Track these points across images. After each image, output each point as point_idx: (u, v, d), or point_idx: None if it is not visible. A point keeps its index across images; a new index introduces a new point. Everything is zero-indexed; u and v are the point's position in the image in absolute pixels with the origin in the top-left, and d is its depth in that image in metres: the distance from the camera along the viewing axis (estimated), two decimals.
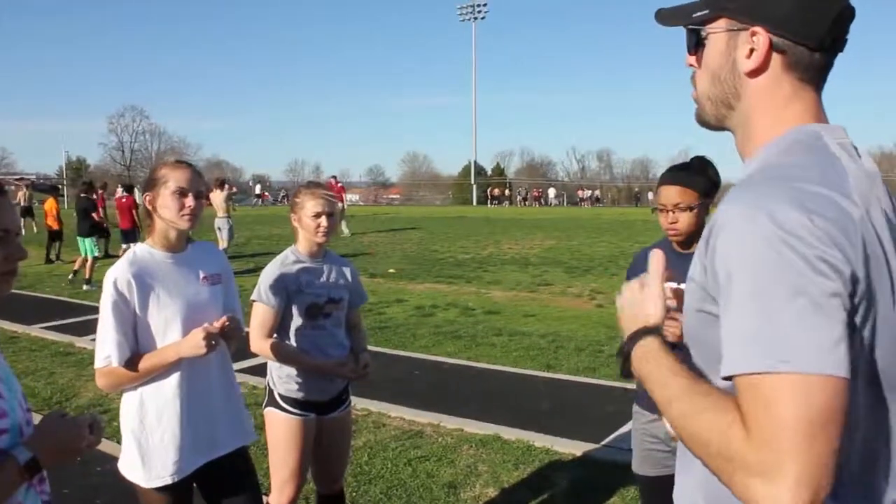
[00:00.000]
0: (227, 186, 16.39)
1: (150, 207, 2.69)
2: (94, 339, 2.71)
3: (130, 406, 2.70)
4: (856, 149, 1.22)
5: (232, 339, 2.76)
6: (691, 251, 2.89)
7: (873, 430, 1.12)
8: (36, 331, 9.25)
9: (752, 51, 1.21)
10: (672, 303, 2.05)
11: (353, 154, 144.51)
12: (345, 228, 24.00)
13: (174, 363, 2.62)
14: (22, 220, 24.75)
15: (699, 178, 2.80)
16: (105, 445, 2.40)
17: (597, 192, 65.75)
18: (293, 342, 3.31)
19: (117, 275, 2.61)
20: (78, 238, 13.87)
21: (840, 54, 1.24)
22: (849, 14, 1.20)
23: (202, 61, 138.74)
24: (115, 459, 2.86)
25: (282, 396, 3.32)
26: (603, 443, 5.11)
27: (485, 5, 64.71)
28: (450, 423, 5.63)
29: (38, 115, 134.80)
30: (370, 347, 7.58)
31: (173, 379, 2.65)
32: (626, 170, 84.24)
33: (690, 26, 1.29)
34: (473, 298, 11.65)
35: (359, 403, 5.91)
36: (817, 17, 1.17)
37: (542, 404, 6.16)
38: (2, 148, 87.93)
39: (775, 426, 0.97)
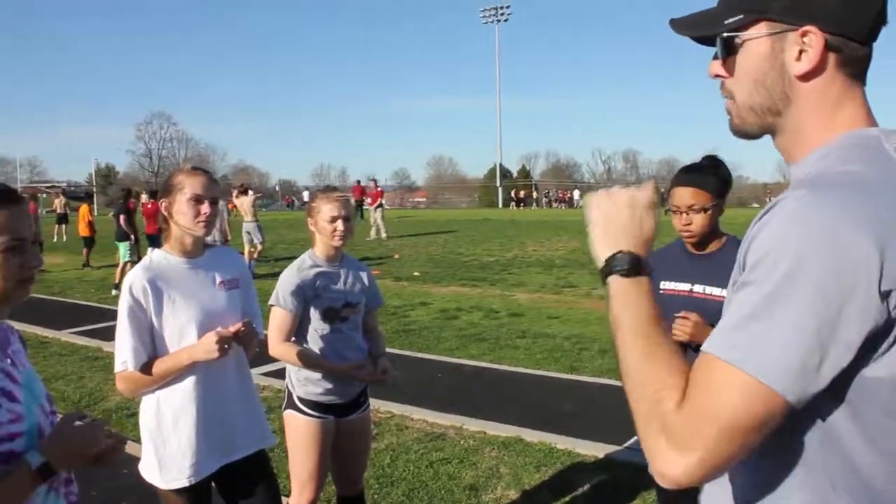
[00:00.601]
0: (250, 192, 16.58)
1: (166, 213, 2.73)
2: None
3: (148, 409, 2.75)
4: None
5: (248, 344, 2.79)
6: (706, 252, 2.88)
7: None
8: (66, 336, 9.43)
9: (801, 52, 1.15)
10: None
11: (378, 158, 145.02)
12: (382, 232, 23.98)
13: (189, 367, 2.65)
14: (57, 226, 25.16)
15: (712, 178, 2.78)
16: (132, 448, 2.43)
17: None
18: (311, 346, 3.33)
19: (133, 281, 2.65)
20: (116, 243, 14.27)
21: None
22: (885, 2, 1.17)
23: (228, 68, 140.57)
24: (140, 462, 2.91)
25: (301, 399, 3.35)
26: (626, 445, 5.07)
27: (507, 7, 64.61)
28: (472, 425, 5.64)
29: (68, 123, 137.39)
30: (394, 350, 7.67)
31: (189, 383, 2.69)
32: (652, 170, 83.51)
33: (725, 34, 1.21)
34: (497, 301, 11.64)
35: (382, 406, 5.94)
36: (864, 10, 1.13)
37: (564, 406, 6.14)
38: (34, 157, 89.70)
39: (708, 413, 1.02)
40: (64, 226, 25.51)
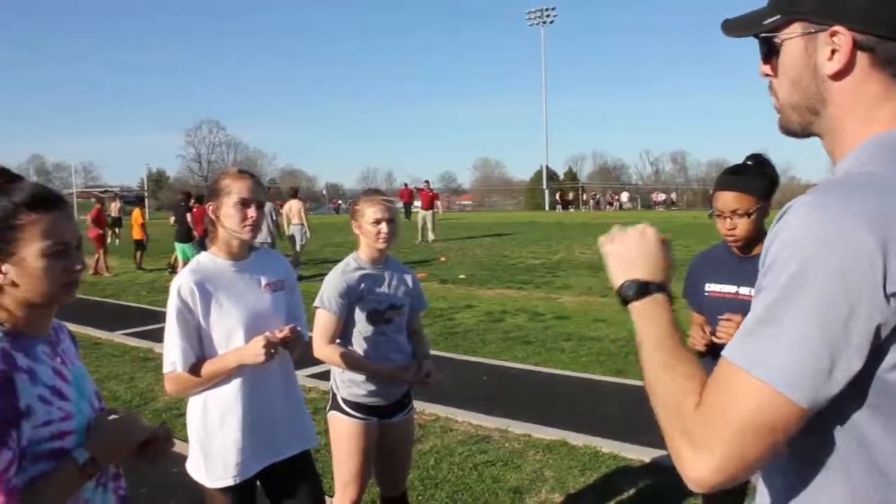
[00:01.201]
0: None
1: (213, 216, 2.78)
2: None
3: (195, 409, 2.80)
4: None
5: (294, 348, 2.82)
6: (752, 255, 2.83)
7: None
8: (118, 337, 9.67)
9: (833, 52, 1.14)
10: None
11: (424, 161, 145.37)
12: (430, 234, 23.94)
13: (236, 370, 2.69)
14: (112, 230, 25.79)
15: (756, 181, 2.72)
16: (181, 447, 2.48)
17: (672, 195, 64.51)
18: (355, 347, 3.36)
19: (181, 283, 2.70)
20: (175, 243, 14.61)
21: None
22: None
23: (276, 73, 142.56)
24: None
25: (345, 401, 3.38)
26: None
27: (553, 9, 64.20)
28: (517, 428, 5.62)
29: (122, 130, 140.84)
30: (440, 353, 7.68)
31: (235, 384, 2.73)
32: (701, 172, 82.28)
33: (763, 34, 1.23)
34: (543, 303, 11.58)
35: (427, 409, 5.95)
36: (895, 8, 1.10)
37: (610, 409, 6.09)
38: (89, 162, 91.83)
39: (723, 415, 1.03)
40: (117, 229, 26.10)
